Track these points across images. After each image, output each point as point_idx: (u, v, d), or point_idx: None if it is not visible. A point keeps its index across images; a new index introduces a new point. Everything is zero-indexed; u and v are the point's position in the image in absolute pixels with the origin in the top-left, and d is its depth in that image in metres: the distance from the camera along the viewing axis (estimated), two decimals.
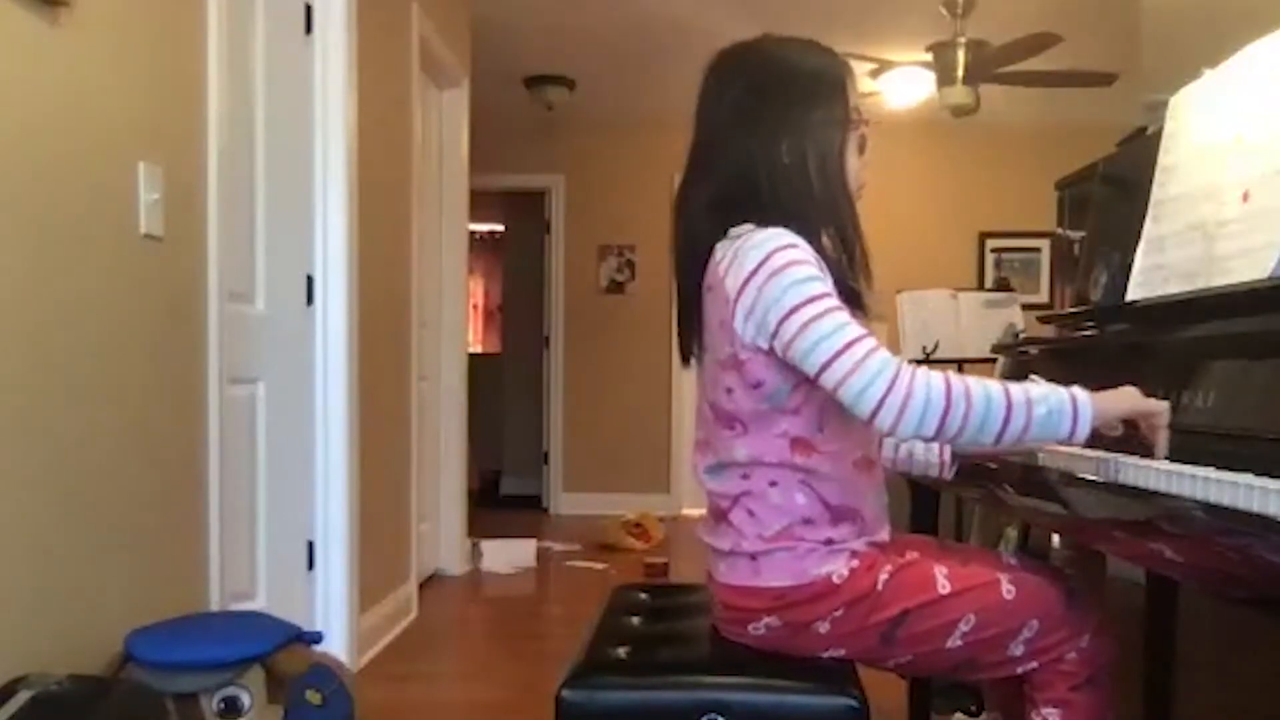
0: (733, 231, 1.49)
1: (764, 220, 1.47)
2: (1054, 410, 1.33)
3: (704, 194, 1.55)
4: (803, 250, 1.42)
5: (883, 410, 1.31)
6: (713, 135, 1.55)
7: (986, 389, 1.33)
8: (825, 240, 1.50)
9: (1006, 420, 1.32)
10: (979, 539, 3.35)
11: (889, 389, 1.31)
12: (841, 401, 1.35)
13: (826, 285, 1.40)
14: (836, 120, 1.53)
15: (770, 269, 1.40)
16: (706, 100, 1.57)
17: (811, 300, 1.37)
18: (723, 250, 1.49)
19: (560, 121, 6.63)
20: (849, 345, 1.34)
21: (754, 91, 1.53)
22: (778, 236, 1.42)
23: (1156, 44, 2.83)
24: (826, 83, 1.55)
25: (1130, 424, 1.36)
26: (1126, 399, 1.36)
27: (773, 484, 1.48)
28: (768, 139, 1.50)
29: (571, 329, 7.01)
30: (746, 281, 1.42)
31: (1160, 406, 1.33)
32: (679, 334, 1.61)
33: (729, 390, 1.48)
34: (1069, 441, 1.35)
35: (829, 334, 1.35)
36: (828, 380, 1.35)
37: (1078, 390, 1.35)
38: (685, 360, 1.62)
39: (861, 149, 1.58)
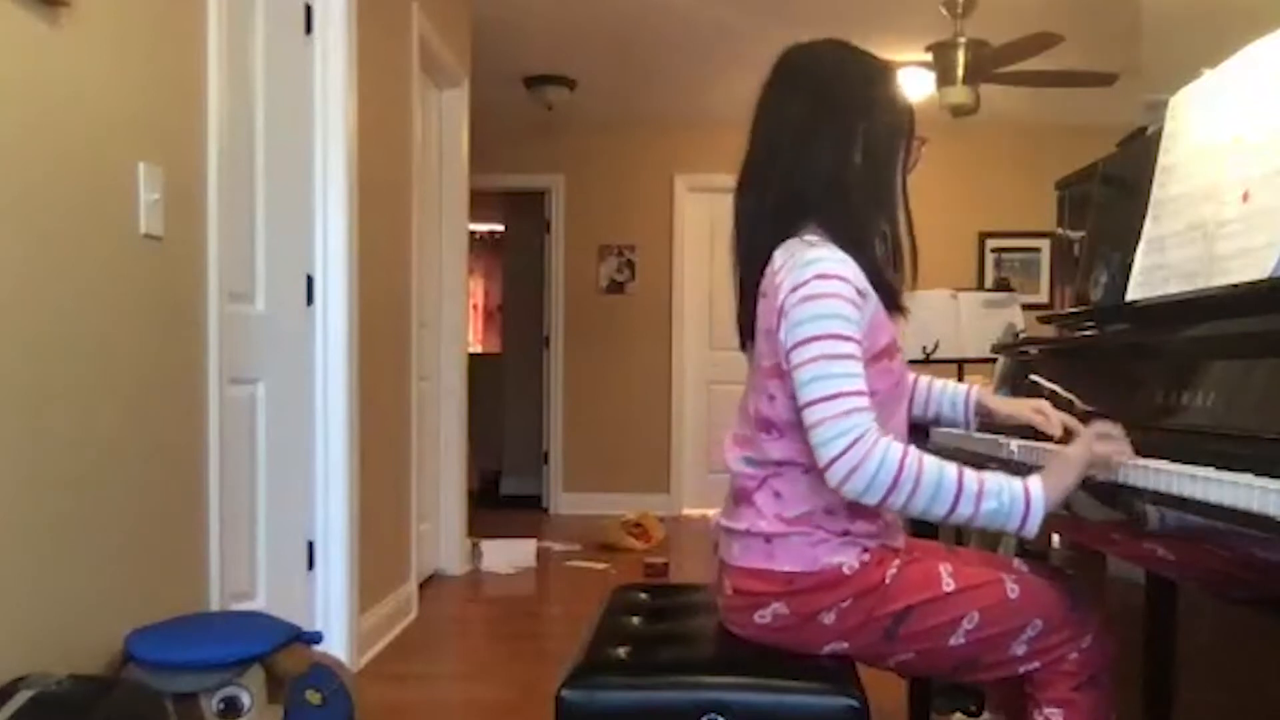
0: (793, 240, 1.51)
1: (827, 224, 1.51)
2: (1004, 507, 1.37)
3: (766, 199, 1.57)
4: (847, 284, 1.44)
5: (834, 467, 1.37)
6: (778, 135, 1.57)
7: (941, 474, 1.38)
8: (882, 247, 1.55)
9: (953, 507, 1.38)
10: (979, 539, 3.35)
11: (847, 450, 1.36)
12: (809, 440, 1.41)
13: (853, 326, 1.42)
14: (904, 132, 1.58)
15: (809, 292, 1.42)
16: (768, 107, 1.59)
17: (830, 337, 1.40)
18: (781, 257, 1.51)
19: (560, 121, 6.62)
20: (838, 396, 1.38)
21: (831, 88, 1.56)
22: (829, 262, 1.45)
23: (1156, 44, 2.83)
24: (896, 94, 1.59)
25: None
26: (1073, 467, 1.38)
27: (805, 472, 1.50)
28: (842, 138, 1.53)
29: (571, 329, 7.01)
30: (789, 294, 1.44)
31: (1100, 456, 1.35)
32: (738, 320, 1.62)
33: (771, 397, 1.51)
34: (1019, 533, 1.39)
35: (827, 376, 1.39)
36: (806, 416, 1.40)
37: (1034, 485, 1.38)
38: (742, 344, 1.63)
39: (913, 166, 1.62)
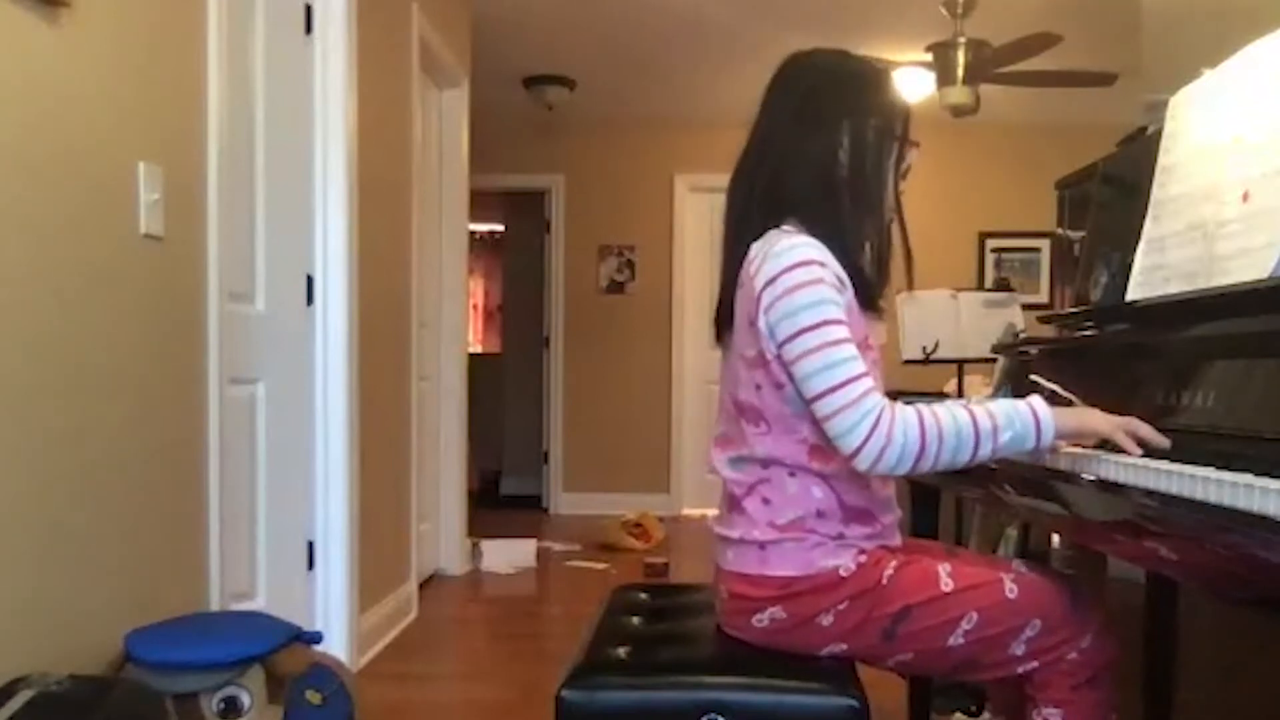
0: (770, 232, 1.51)
1: (808, 219, 1.51)
2: (1018, 434, 1.41)
3: (754, 194, 1.58)
4: (826, 269, 1.45)
5: (863, 452, 1.38)
6: (771, 128, 1.59)
7: (957, 424, 1.40)
8: (865, 248, 1.55)
9: (975, 450, 1.41)
10: (979, 540, 3.35)
11: (871, 433, 1.38)
12: (827, 432, 1.41)
13: (840, 310, 1.43)
14: (894, 135, 1.58)
15: (791, 283, 1.43)
16: (773, 94, 1.61)
17: (823, 324, 1.41)
18: (757, 249, 1.51)
19: (560, 121, 6.63)
20: (847, 382, 1.39)
21: (819, 89, 1.58)
22: (805, 249, 1.45)
23: (1156, 44, 2.83)
24: (891, 98, 1.60)
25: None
26: (1083, 421, 1.41)
27: (791, 475, 1.50)
28: (828, 136, 1.54)
29: (571, 329, 7.01)
30: (768, 283, 1.45)
31: (1107, 428, 1.37)
32: (716, 313, 1.63)
33: (757, 387, 1.51)
34: (1034, 452, 1.44)
35: (833, 364, 1.39)
36: (819, 409, 1.41)
37: (1037, 404, 1.42)
38: (718, 338, 1.64)
39: (906, 171, 1.62)
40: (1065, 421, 1.41)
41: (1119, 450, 1.34)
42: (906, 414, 1.39)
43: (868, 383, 1.40)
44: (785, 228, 1.51)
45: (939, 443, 1.38)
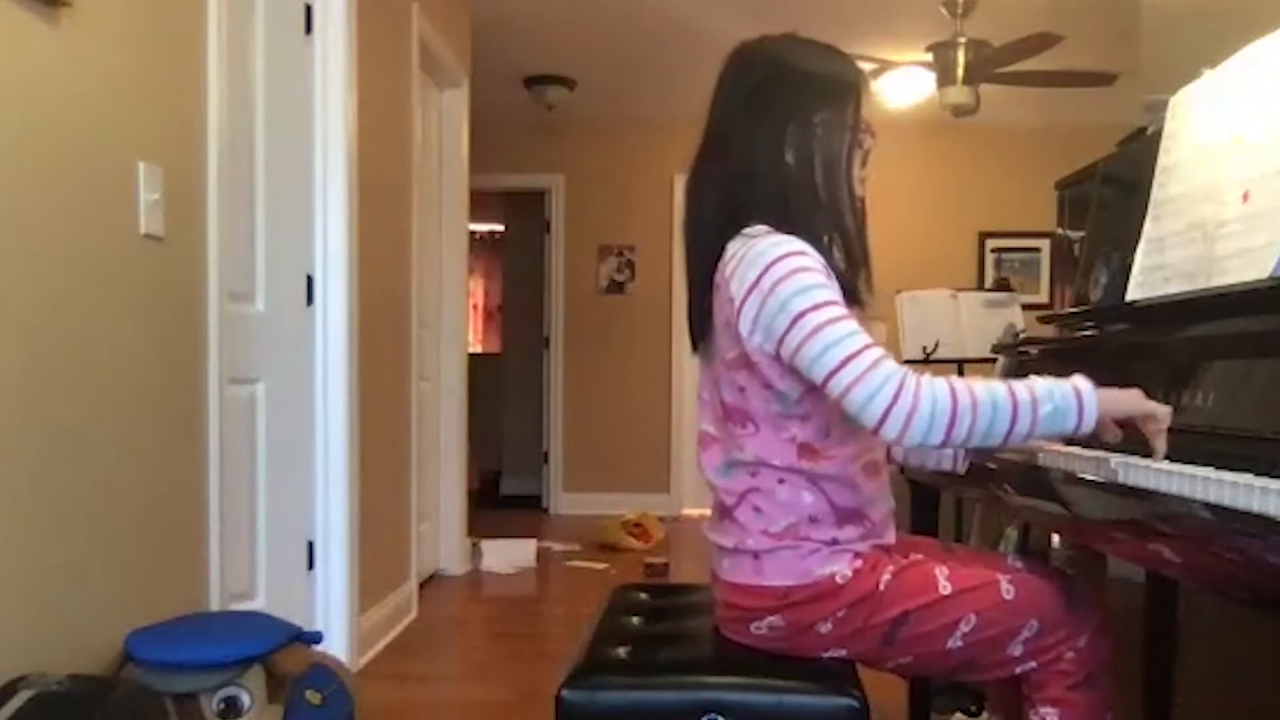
0: (746, 231, 1.49)
1: (773, 221, 1.48)
2: (1059, 408, 1.32)
3: (714, 190, 1.55)
4: (811, 257, 1.42)
5: (889, 421, 1.30)
6: (721, 128, 1.56)
7: (992, 393, 1.32)
8: (830, 245, 1.51)
9: (1013, 423, 1.32)
10: (979, 539, 3.35)
11: (895, 399, 1.30)
12: (846, 410, 1.34)
13: (833, 292, 1.39)
14: (844, 126, 1.53)
15: (776, 275, 1.40)
16: (720, 90, 1.58)
17: (819, 306, 1.37)
18: (733, 249, 1.49)
19: (560, 121, 6.63)
20: (856, 354, 1.33)
21: (763, 87, 1.54)
22: (785, 244, 1.43)
23: (1156, 44, 2.83)
24: (836, 87, 1.55)
25: (1129, 424, 1.35)
26: (1131, 398, 1.35)
27: (780, 481, 1.48)
28: (773, 138, 1.51)
29: (571, 329, 7.01)
30: (751, 289, 1.42)
31: (1163, 410, 1.32)
32: (689, 320, 1.60)
33: (741, 389, 1.48)
34: (1075, 433, 1.34)
35: (836, 341, 1.34)
36: (833, 388, 1.34)
37: (1080, 382, 1.34)
38: (695, 347, 1.61)
39: (864, 162, 1.57)
40: (1114, 400, 1.33)
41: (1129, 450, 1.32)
42: (936, 381, 1.32)
43: (877, 352, 1.33)
44: (758, 226, 1.48)
45: (972, 411, 1.30)
